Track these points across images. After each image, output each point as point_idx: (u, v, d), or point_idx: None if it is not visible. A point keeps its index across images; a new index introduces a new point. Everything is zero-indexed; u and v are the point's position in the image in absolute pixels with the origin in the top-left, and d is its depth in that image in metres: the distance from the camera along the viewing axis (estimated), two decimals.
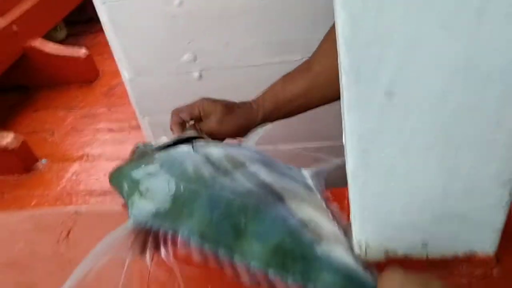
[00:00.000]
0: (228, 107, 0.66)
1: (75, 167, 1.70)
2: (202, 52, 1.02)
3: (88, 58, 2.11)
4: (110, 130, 1.85)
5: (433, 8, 0.28)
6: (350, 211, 0.44)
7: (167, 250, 0.47)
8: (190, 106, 0.66)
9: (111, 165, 1.76)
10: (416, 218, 0.42)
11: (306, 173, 0.55)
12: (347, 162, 0.40)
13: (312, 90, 0.64)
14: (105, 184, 1.59)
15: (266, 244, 0.45)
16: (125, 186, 0.54)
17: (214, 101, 0.67)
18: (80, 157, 1.74)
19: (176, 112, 0.67)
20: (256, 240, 0.46)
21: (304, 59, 0.70)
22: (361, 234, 0.45)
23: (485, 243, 0.45)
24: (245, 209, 0.48)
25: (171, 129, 0.67)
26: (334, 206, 0.49)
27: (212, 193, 0.50)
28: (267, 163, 0.56)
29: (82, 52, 2.10)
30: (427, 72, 0.31)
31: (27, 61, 2.09)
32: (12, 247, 0.61)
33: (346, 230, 0.46)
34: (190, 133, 0.64)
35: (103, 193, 1.55)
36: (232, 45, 1.01)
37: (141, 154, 0.61)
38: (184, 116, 0.66)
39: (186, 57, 1.03)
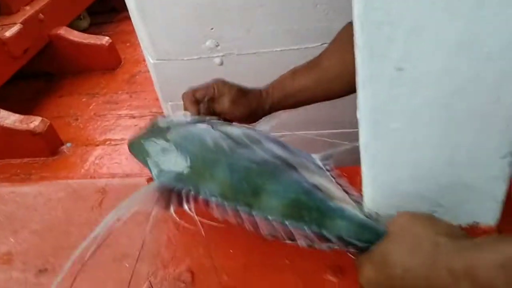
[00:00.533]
0: (242, 90, 0.69)
1: (98, 151, 1.76)
2: (223, 38, 1.06)
3: (111, 46, 2.18)
4: (132, 116, 1.91)
5: None
6: (362, 182, 0.48)
7: (189, 206, 0.52)
8: (205, 86, 0.68)
9: None
10: (423, 187, 0.46)
11: (316, 156, 0.59)
12: (360, 134, 0.43)
13: (319, 83, 0.67)
14: (126, 167, 1.66)
15: (283, 199, 0.50)
16: (146, 153, 0.58)
17: (228, 83, 0.70)
18: (103, 142, 1.80)
19: (190, 92, 0.68)
20: (273, 196, 0.50)
21: (324, 45, 0.73)
22: (372, 204, 0.49)
23: (488, 214, 0.48)
24: (262, 173, 0.53)
25: (185, 108, 0.67)
26: (344, 180, 0.53)
27: (231, 161, 0.54)
28: (280, 143, 0.60)
29: (105, 40, 2.16)
30: (432, 50, 0.35)
31: (52, 48, 2.16)
32: (50, 213, 0.67)
33: (357, 201, 0.50)
34: (209, 118, 0.66)
35: (125, 176, 1.61)
36: (253, 32, 1.04)
37: (160, 129, 0.62)
38: (199, 95, 0.67)
39: (209, 43, 1.07)
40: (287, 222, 0.48)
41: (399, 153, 0.43)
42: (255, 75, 1.12)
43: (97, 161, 1.72)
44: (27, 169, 1.73)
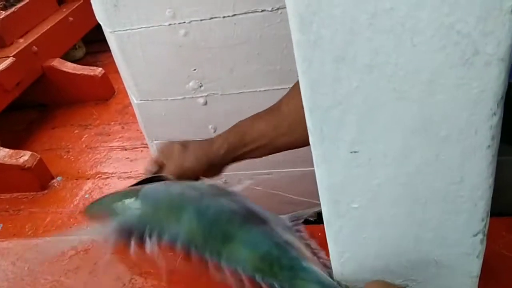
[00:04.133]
0: (183, 144, 0.66)
1: (89, 185, 1.74)
2: (207, 79, 1.05)
3: (104, 77, 2.18)
4: (123, 148, 1.90)
5: (386, 79, 0.30)
6: (330, 256, 0.45)
7: (151, 247, 0.50)
8: (150, 159, 0.67)
9: (123, 183, 1.81)
10: (392, 264, 0.43)
11: (285, 217, 0.56)
12: (322, 210, 0.41)
13: (277, 130, 0.63)
14: None
15: (255, 251, 0.47)
16: (108, 206, 0.57)
17: (172, 142, 0.67)
18: (94, 175, 1.78)
19: (144, 171, 0.67)
20: (244, 246, 0.48)
21: None
22: (340, 277, 0.46)
23: None
24: (232, 219, 0.51)
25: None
26: (314, 242, 0.51)
27: (199, 208, 0.52)
28: (248, 201, 0.57)
29: (98, 71, 2.16)
30: (387, 133, 0.33)
31: (46, 80, 2.16)
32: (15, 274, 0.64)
33: (325, 265, 0.48)
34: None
35: None
36: (236, 72, 1.03)
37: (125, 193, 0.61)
38: (149, 168, 0.65)
39: (192, 84, 1.06)
40: (257, 276, 0.46)
41: (363, 231, 0.40)
42: (239, 114, 1.10)
43: (87, 196, 1.70)
44: (16, 204, 1.71)
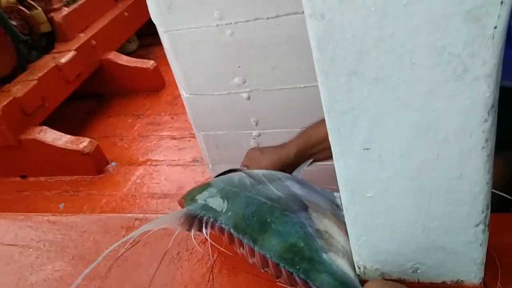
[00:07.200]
0: (261, 150, 0.78)
1: (140, 170, 1.87)
2: (250, 75, 1.12)
3: (156, 69, 2.31)
4: (172, 138, 2.02)
5: (391, 90, 0.36)
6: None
7: (206, 232, 0.61)
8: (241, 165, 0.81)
9: (171, 170, 1.93)
10: (404, 247, 0.49)
11: (337, 194, 0.63)
12: (342, 198, 0.47)
13: None
14: (165, 188, 1.76)
15: (283, 242, 0.55)
16: (189, 195, 0.68)
17: (253, 149, 0.80)
18: (145, 162, 1.91)
19: None
20: (276, 236, 0.56)
21: None
22: (358, 258, 0.52)
23: (470, 274, 0.50)
24: (272, 211, 0.59)
25: None
26: None
27: (249, 195, 0.62)
28: (301, 181, 0.67)
29: (150, 63, 2.29)
30: (393, 134, 0.39)
31: (102, 72, 2.32)
32: (82, 244, 0.75)
33: None
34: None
35: (163, 196, 1.71)
36: (277, 69, 1.10)
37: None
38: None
39: (236, 80, 1.14)
40: (281, 264, 0.54)
41: (377, 217, 0.46)
42: (279, 109, 1.18)
43: (138, 181, 1.83)
44: (76, 186, 1.87)
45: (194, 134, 2.05)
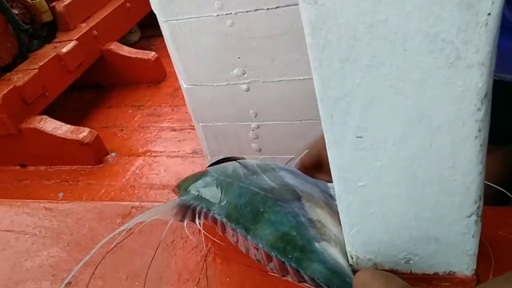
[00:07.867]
0: None
1: (139, 161, 1.88)
2: (250, 66, 1.12)
3: (157, 61, 2.31)
4: (172, 129, 2.02)
5: (383, 77, 0.35)
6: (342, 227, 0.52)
7: (200, 222, 0.61)
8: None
9: (170, 162, 1.94)
10: (396, 238, 0.49)
11: (331, 185, 0.63)
12: (334, 186, 0.47)
13: None
14: (164, 179, 1.76)
15: (276, 231, 0.55)
16: (183, 185, 0.68)
17: None
18: (144, 153, 1.92)
19: None
20: (268, 226, 0.56)
21: None
22: (351, 248, 0.52)
23: (462, 265, 0.50)
24: (265, 201, 0.59)
25: None
26: None
27: (242, 185, 0.62)
28: (294, 172, 0.67)
29: (151, 55, 2.29)
30: (386, 122, 0.38)
31: (103, 62, 2.32)
32: (78, 231, 0.75)
33: None
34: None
35: (162, 187, 1.71)
36: (277, 61, 1.10)
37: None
38: None
39: (236, 71, 1.14)
40: (273, 253, 0.54)
41: (370, 207, 0.46)
42: (279, 100, 1.17)
43: (137, 171, 1.83)
44: (75, 176, 1.88)
45: (194, 126, 2.07)
